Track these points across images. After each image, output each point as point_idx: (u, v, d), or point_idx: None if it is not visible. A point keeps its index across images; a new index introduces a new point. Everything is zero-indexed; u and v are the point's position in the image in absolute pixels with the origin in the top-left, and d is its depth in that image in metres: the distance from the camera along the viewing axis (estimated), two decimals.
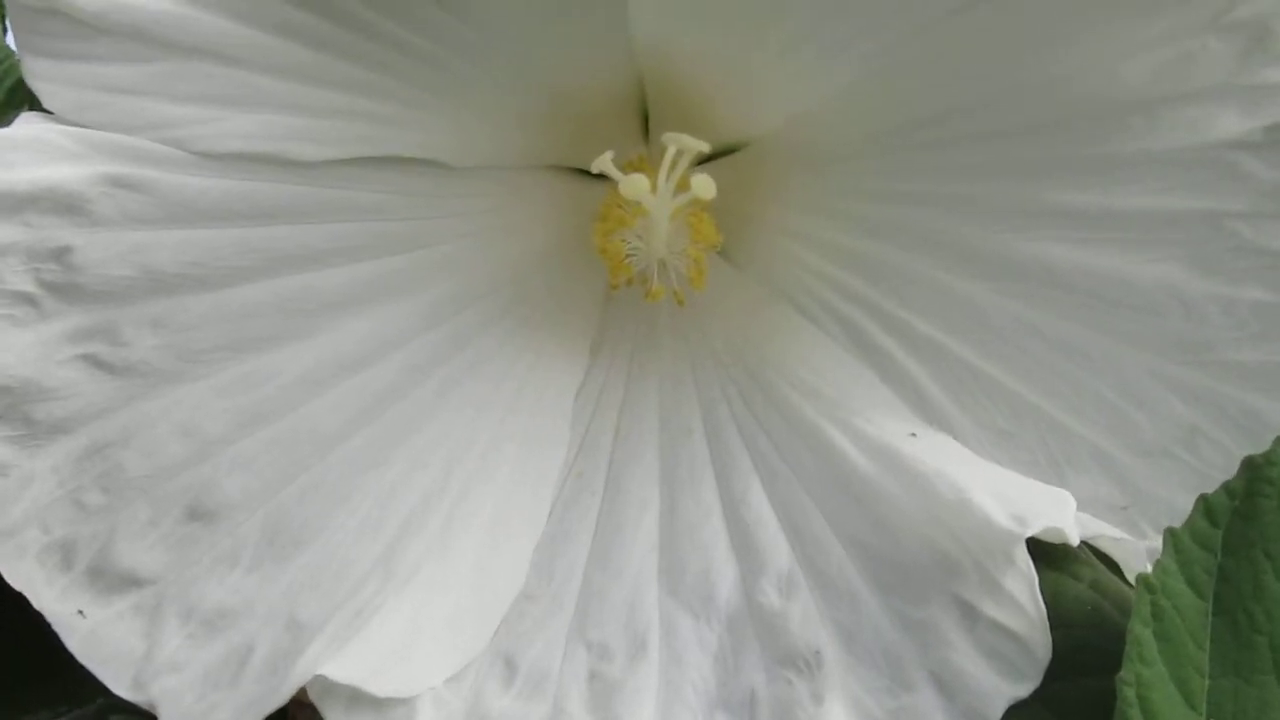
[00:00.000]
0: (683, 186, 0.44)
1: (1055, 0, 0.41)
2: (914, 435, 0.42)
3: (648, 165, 0.47)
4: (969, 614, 0.38)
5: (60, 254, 0.40)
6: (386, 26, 0.43)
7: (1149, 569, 0.40)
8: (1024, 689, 0.37)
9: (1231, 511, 0.37)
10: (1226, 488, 0.37)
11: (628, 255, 0.45)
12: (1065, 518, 0.38)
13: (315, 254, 0.43)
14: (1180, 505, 0.41)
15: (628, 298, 0.47)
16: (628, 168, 0.47)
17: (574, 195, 0.48)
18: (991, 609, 0.38)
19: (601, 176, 0.46)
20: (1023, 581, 0.38)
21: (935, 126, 0.44)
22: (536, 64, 0.45)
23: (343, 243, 0.44)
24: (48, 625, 0.40)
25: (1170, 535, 0.37)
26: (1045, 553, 0.40)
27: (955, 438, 0.43)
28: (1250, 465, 0.37)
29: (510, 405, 0.46)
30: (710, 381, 0.46)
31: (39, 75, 0.41)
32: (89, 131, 0.41)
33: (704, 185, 0.44)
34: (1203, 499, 0.37)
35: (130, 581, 0.41)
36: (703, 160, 0.48)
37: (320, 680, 0.39)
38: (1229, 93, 0.40)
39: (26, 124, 0.41)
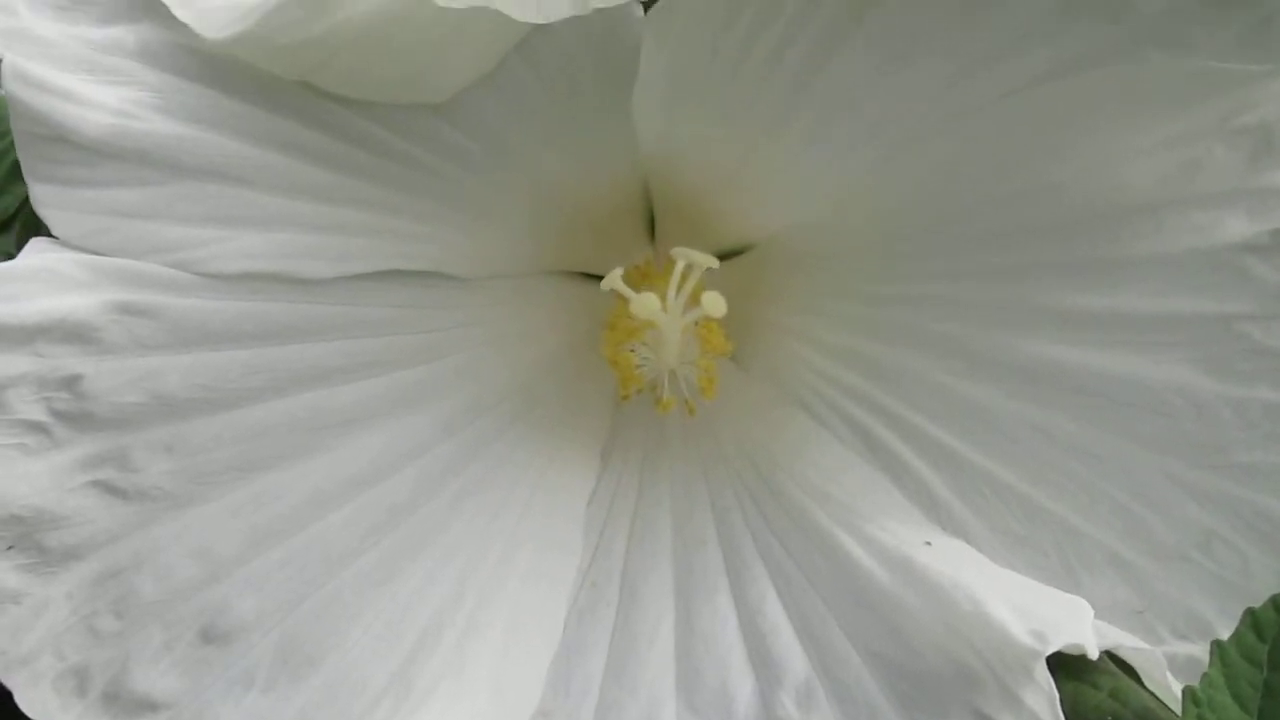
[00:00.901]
0: (693, 301, 0.44)
1: (1057, 107, 0.42)
2: (929, 544, 0.42)
3: (655, 272, 0.47)
4: None
5: (71, 382, 0.40)
6: (395, 143, 0.43)
7: (1168, 675, 0.40)
8: None
9: (1278, 626, 0.37)
10: (1275, 602, 0.37)
11: (638, 366, 0.45)
12: (1084, 630, 0.38)
13: (325, 372, 0.43)
14: (1197, 609, 0.41)
15: (638, 402, 0.47)
16: (634, 274, 0.47)
17: (583, 299, 0.48)
18: None
19: None
20: (1043, 697, 0.38)
21: (939, 230, 0.44)
22: (543, 177, 0.45)
23: (353, 359, 0.44)
24: None
25: (1217, 648, 0.37)
26: (1064, 661, 0.40)
27: (969, 542, 0.43)
28: None
29: (523, 511, 0.45)
30: (722, 487, 0.46)
31: (46, 202, 0.41)
32: (97, 258, 0.41)
33: (714, 303, 0.44)
34: (1249, 613, 0.37)
35: (146, 706, 0.41)
36: None
37: None
38: (1236, 197, 0.40)
39: (36, 252, 0.41)
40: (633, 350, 0.45)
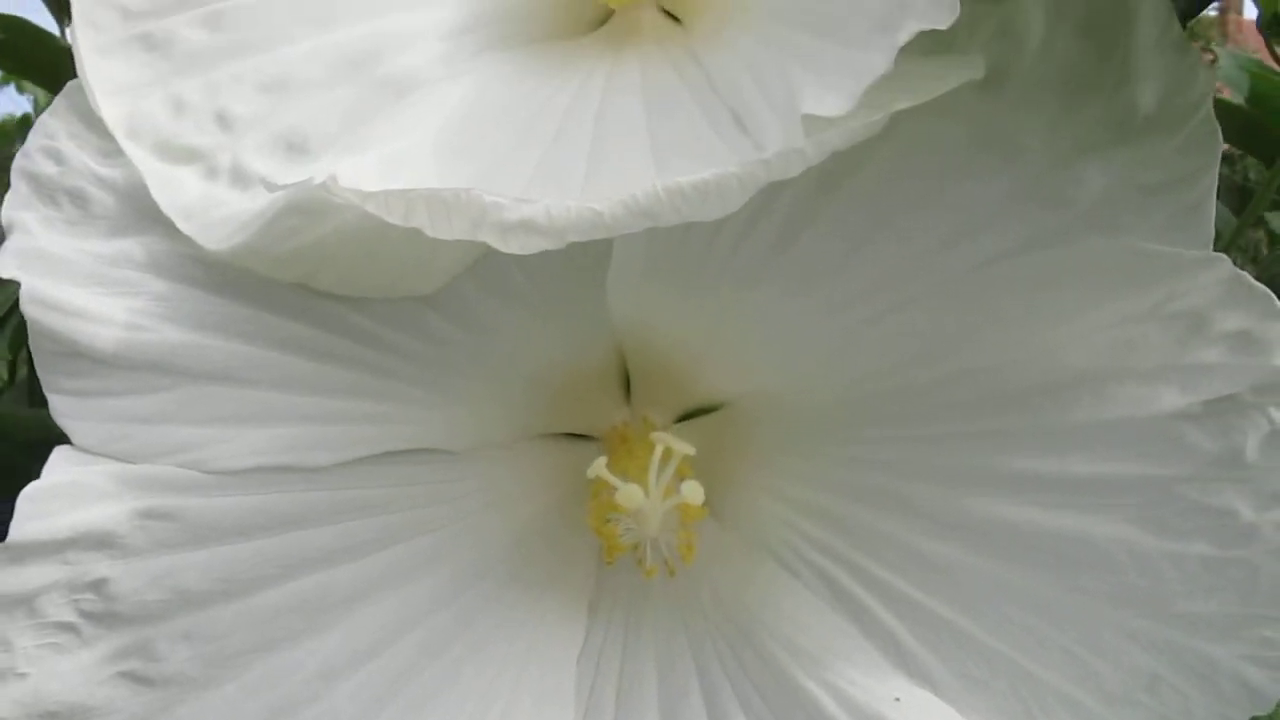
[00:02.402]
0: (673, 485, 0.48)
1: (1005, 286, 0.45)
2: (898, 700, 0.45)
3: (632, 435, 0.50)
4: None
5: (97, 585, 0.43)
6: (388, 335, 0.46)
7: None
8: None
9: None
10: None
11: (621, 535, 0.48)
12: None
13: (328, 554, 0.46)
14: None
15: (622, 559, 0.50)
16: (613, 436, 0.50)
17: (567, 457, 0.51)
18: None
19: (591, 438, 0.50)
20: None
21: (900, 399, 0.47)
22: (527, 353, 0.48)
23: (355, 539, 0.47)
24: None
25: None
26: None
27: (934, 687, 0.46)
28: None
29: (521, 668, 0.48)
30: (703, 639, 0.49)
31: (64, 413, 0.44)
32: (117, 467, 0.44)
33: (693, 491, 0.47)
34: None
35: None
36: (684, 417, 0.51)
37: None
38: (1169, 373, 0.44)
39: (62, 466, 0.43)
40: (616, 522, 0.48)
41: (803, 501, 0.49)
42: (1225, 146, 0.46)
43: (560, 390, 0.50)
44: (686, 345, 0.49)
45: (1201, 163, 0.45)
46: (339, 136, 0.46)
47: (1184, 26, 0.47)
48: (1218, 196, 0.45)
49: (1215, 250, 0.45)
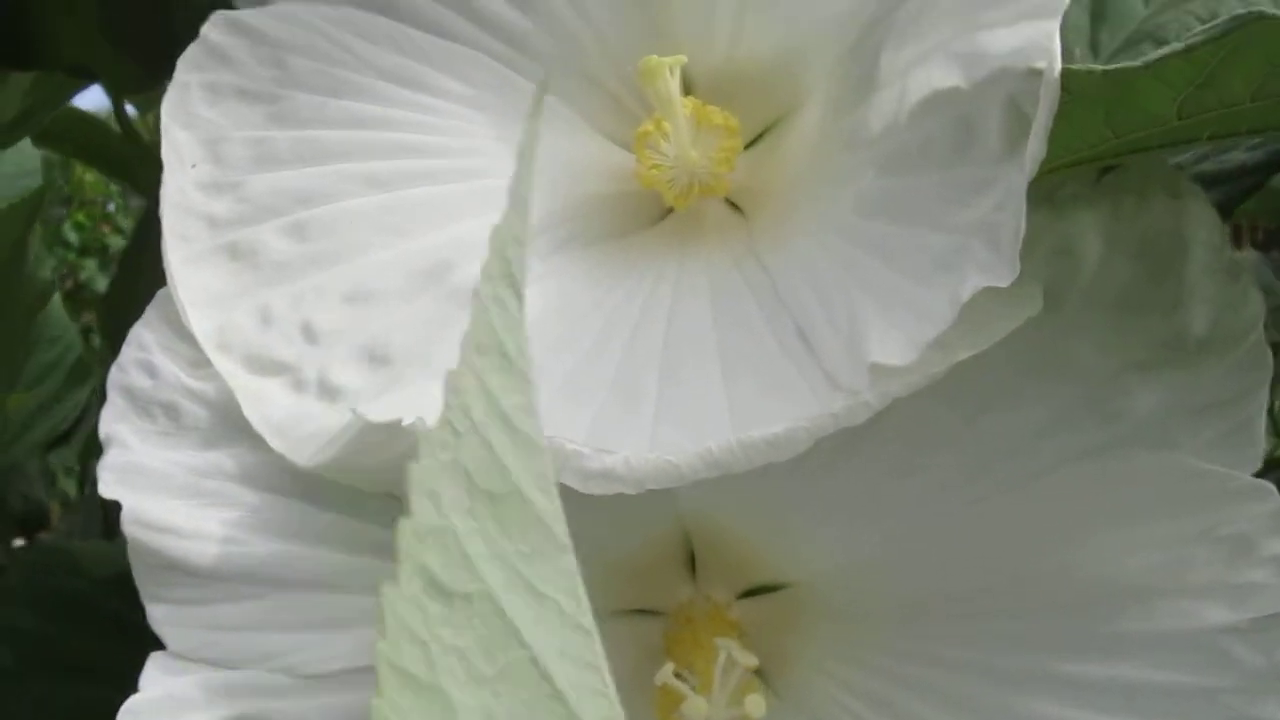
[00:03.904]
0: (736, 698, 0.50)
1: (1057, 500, 0.47)
2: None
3: (697, 615, 0.52)
4: None
5: None
6: None
7: None
8: None
9: None
10: None
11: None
12: None
13: None
14: None
15: None
16: (677, 614, 0.52)
17: (633, 631, 0.53)
18: None
19: (655, 613, 0.52)
20: None
21: (961, 600, 0.49)
22: (601, 547, 0.50)
23: None
24: None
25: None
26: None
27: None
28: None
29: None
30: None
31: (161, 621, 0.46)
32: (211, 675, 0.46)
33: (755, 704, 0.49)
34: None
35: None
36: (745, 594, 0.53)
37: None
38: (1218, 590, 0.46)
39: (157, 677, 0.46)
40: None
41: (857, 686, 0.51)
42: None
43: (631, 574, 0.52)
44: (747, 533, 0.51)
45: (1252, 383, 0.46)
46: (420, 349, 0.48)
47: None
48: None
49: None
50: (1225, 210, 0.51)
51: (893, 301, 0.43)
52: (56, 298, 1.00)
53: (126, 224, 3.62)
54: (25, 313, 0.92)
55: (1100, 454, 0.47)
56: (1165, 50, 0.37)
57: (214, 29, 0.51)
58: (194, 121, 0.50)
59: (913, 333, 0.41)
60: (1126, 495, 0.47)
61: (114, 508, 0.47)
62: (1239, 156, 0.54)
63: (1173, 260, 0.46)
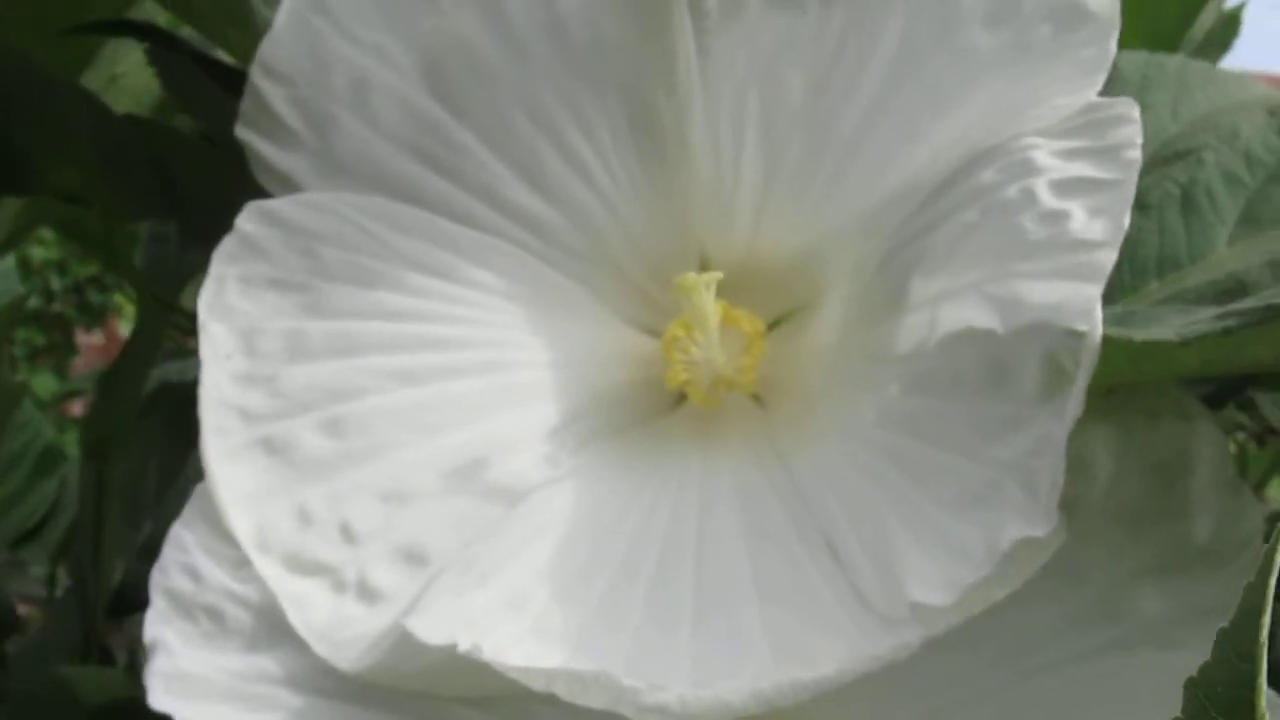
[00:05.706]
0: None
1: (1064, 692, 0.50)
2: None
3: None
4: None
5: None
6: None
7: None
8: None
9: None
10: None
11: None
12: None
13: None
14: None
15: None
16: None
17: None
18: None
19: None
20: None
21: None
22: None
23: None
24: None
25: None
26: None
27: None
28: None
29: None
30: None
31: None
32: None
33: None
34: None
35: None
36: None
37: None
38: None
39: None
40: None
41: None
42: None
43: None
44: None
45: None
46: (456, 551, 0.49)
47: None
48: None
49: None
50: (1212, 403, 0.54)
51: (927, 533, 0.45)
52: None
53: None
54: None
55: (1108, 651, 0.50)
56: (1203, 328, 0.40)
57: (248, 220, 0.52)
58: (229, 314, 0.51)
59: (951, 573, 0.43)
60: (1132, 691, 0.49)
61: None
62: None
63: (1179, 475, 0.49)
